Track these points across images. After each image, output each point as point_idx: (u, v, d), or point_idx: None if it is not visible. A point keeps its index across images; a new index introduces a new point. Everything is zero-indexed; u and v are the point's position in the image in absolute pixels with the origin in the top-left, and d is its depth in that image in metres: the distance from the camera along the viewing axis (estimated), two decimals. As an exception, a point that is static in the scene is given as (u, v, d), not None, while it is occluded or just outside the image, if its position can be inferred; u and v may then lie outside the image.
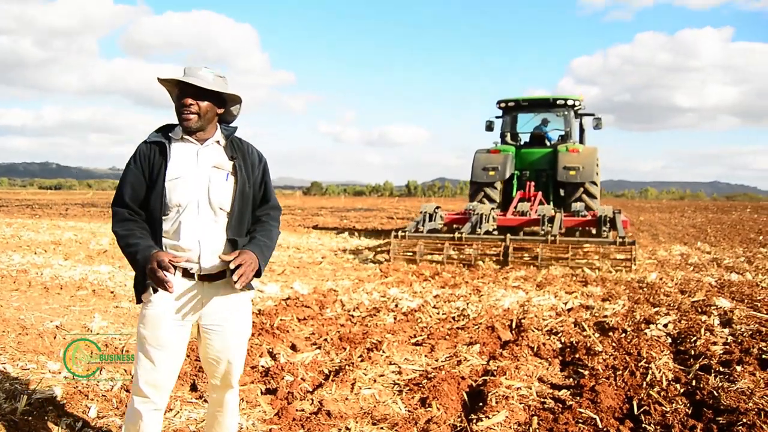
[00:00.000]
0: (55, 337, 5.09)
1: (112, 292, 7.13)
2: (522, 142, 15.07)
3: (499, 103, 14.86)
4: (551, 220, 11.54)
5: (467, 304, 7.19)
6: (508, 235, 11.05)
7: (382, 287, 8.31)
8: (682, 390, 4.29)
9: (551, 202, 13.76)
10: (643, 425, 3.71)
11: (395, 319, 6.48)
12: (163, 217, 2.52)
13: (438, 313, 6.78)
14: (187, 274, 2.52)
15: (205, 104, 2.50)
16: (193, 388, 4.16)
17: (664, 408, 3.91)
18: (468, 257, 10.83)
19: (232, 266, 2.41)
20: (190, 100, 2.47)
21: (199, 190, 2.51)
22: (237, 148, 2.63)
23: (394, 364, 4.95)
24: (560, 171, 13.30)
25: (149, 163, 2.51)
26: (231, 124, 2.69)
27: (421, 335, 5.83)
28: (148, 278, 2.43)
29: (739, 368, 4.62)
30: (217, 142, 2.61)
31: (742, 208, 39.09)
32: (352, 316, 6.65)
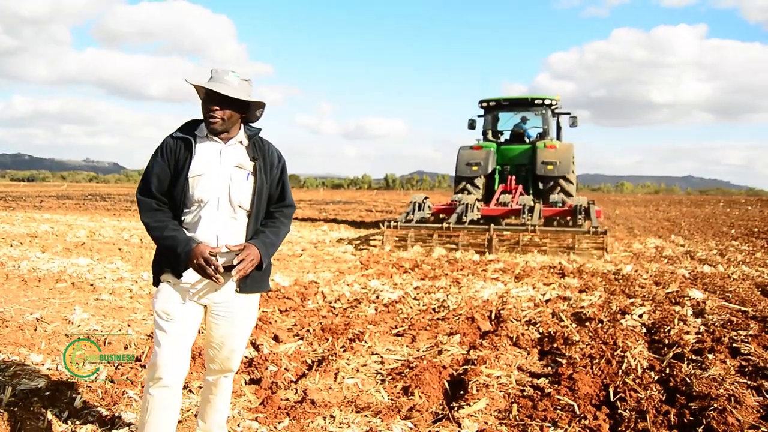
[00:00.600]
0: (35, 330, 5.07)
1: (91, 285, 7.08)
2: (503, 139, 15.94)
3: (481, 102, 15.72)
4: (531, 210, 12.25)
5: (447, 295, 7.28)
6: (492, 225, 11.68)
7: (362, 279, 8.36)
8: (656, 377, 4.43)
9: (530, 195, 14.40)
10: (619, 411, 3.82)
11: (376, 310, 6.54)
12: (185, 211, 2.64)
13: (419, 305, 6.86)
14: None
15: (229, 110, 2.61)
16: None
17: (639, 395, 4.02)
18: (455, 242, 11.55)
19: (235, 261, 2.55)
20: (216, 107, 2.58)
21: (220, 187, 2.62)
22: (258, 149, 2.73)
23: (376, 354, 5.01)
24: (539, 166, 14.15)
25: (175, 157, 2.62)
26: (254, 125, 2.79)
27: (402, 326, 5.90)
28: (189, 267, 2.56)
29: (710, 356, 4.77)
30: (240, 142, 2.72)
31: (715, 203, 39.80)
32: (334, 307, 6.70)
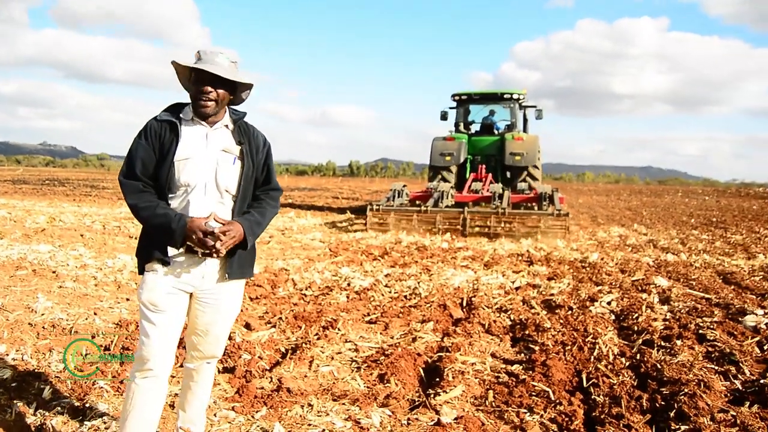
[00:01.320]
0: (-3, 318, 4.89)
1: (53, 272, 6.88)
2: (473, 131, 16.96)
3: (453, 96, 16.76)
4: (501, 196, 13.31)
5: (418, 282, 7.29)
6: (466, 208, 12.74)
7: (332, 266, 8.31)
8: (627, 363, 4.50)
9: (499, 183, 15.23)
10: (593, 397, 3.87)
11: (348, 297, 6.51)
12: (171, 195, 2.58)
13: (390, 292, 6.85)
14: (190, 249, 2.58)
15: (221, 91, 2.55)
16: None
17: (611, 380, 4.09)
18: (433, 225, 12.60)
19: (217, 231, 2.50)
20: (209, 88, 2.52)
21: (207, 172, 2.58)
22: (244, 133, 2.69)
23: (350, 341, 4.99)
24: (507, 156, 15.19)
25: (160, 141, 2.55)
26: (240, 108, 2.74)
27: (374, 313, 5.88)
28: (188, 243, 2.50)
29: (679, 342, 4.88)
30: (226, 126, 2.67)
31: (674, 192, 40.76)
32: (305, 295, 6.65)
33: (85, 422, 3.14)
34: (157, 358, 2.55)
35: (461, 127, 16.73)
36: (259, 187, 2.76)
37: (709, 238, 13.09)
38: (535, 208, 13.40)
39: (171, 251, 2.58)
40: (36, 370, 3.78)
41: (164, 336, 2.56)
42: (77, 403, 3.38)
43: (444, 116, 16.90)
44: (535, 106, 16.50)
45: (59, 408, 3.30)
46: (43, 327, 4.81)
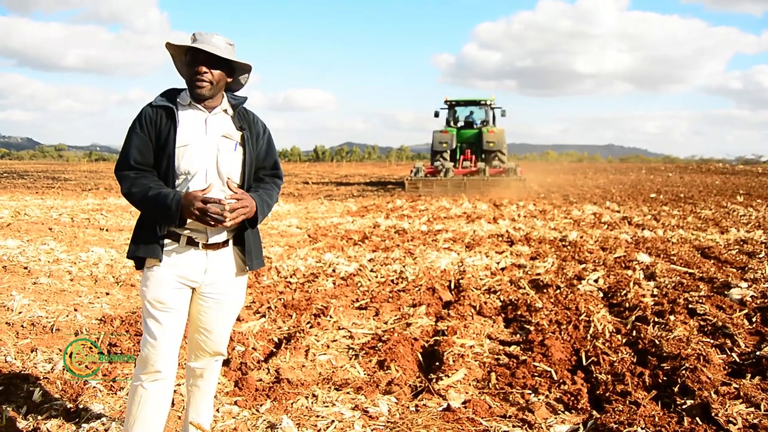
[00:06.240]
0: (-28, 318, 4.66)
1: (25, 268, 6.61)
2: (459, 125, 23.75)
3: (445, 101, 23.71)
4: (483, 170, 20.37)
5: (403, 266, 7.21)
6: (465, 177, 19.91)
7: (314, 253, 8.18)
8: (624, 340, 4.51)
9: (480, 162, 21.79)
10: (595, 375, 3.86)
11: (335, 284, 6.40)
12: (171, 185, 2.43)
13: (376, 277, 6.75)
14: (191, 242, 2.45)
15: (217, 72, 2.43)
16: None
17: (611, 358, 4.08)
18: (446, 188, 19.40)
19: (227, 208, 2.33)
20: (204, 68, 2.39)
21: (207, 158, 2.44)
22: (243, 118, 2.57)
23: (343, 328, 4.89)
24: (484, 144, 22.03)
25: (156, 128, 2.40)
26: (238, 93, 2.62)
27: (363, 299, 5.79)
28: (190, 218, 2.33)
29: (672, 318, 4.90)
30: (225, 111, 2.54)
31: (637, 170, 41.36)
32: (290, 282, 6.52)
33: (82, 424, 2.99)
34: (165, 360, 2.42)
35: (451, 123, 23.57)
36: (266, 173, 2.67)
37: (681, 214, 13.29)
38: (504, 176, 20.12)
39: (168, 244, 2.42)
40: (22, 372, 3.60)
41: (172, 336, 2.43)
42: (70, 405, 3.22)
43: (437, 114, 23.52)
44: (500, 107, 23.66)
45: (52, 411, 3.14)
46: (22, 326, 4.60)
